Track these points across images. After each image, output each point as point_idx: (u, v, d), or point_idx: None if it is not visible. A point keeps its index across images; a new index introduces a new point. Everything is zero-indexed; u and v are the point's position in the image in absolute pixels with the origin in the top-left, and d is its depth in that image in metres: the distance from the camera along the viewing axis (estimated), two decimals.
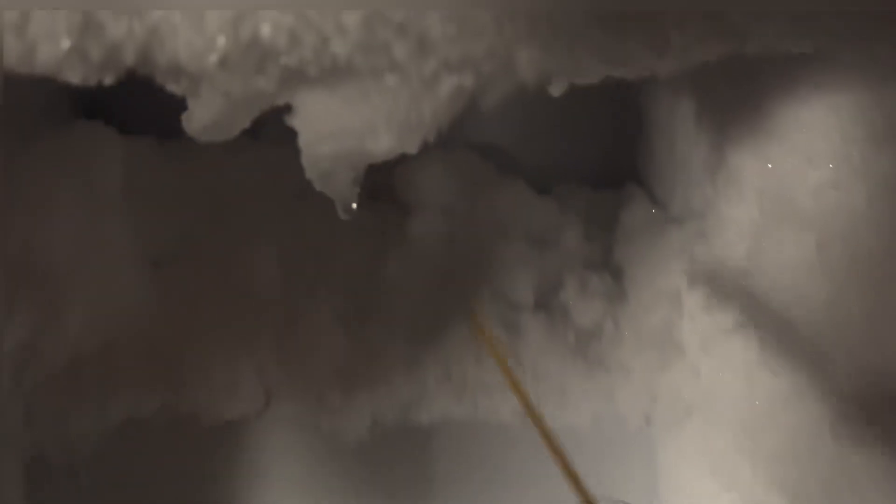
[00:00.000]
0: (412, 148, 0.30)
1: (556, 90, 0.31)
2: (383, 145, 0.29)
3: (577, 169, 0.71)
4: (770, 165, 0.47)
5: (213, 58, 0.25)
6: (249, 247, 0.59)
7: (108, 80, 0.27)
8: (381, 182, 0.68)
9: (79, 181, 0.51)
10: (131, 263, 0.56)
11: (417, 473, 0.58)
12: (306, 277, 0.60)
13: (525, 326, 0.58)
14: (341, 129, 0.29)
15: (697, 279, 0.53)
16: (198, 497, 0.56)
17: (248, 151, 0.66)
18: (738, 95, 0.51)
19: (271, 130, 0.66)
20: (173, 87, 0.29)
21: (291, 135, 0.67)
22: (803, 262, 0.45)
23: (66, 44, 0.25)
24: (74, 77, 0.27)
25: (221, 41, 0.25)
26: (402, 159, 0.65)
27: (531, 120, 0.71)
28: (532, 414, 0.47)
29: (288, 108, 0.32)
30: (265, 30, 0.25)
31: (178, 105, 0.62)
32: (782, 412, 0.46)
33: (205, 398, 0.54)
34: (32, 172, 0.48)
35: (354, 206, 0.35)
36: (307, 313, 0.57)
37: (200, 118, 0.29)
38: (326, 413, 0.55)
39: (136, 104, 0.62)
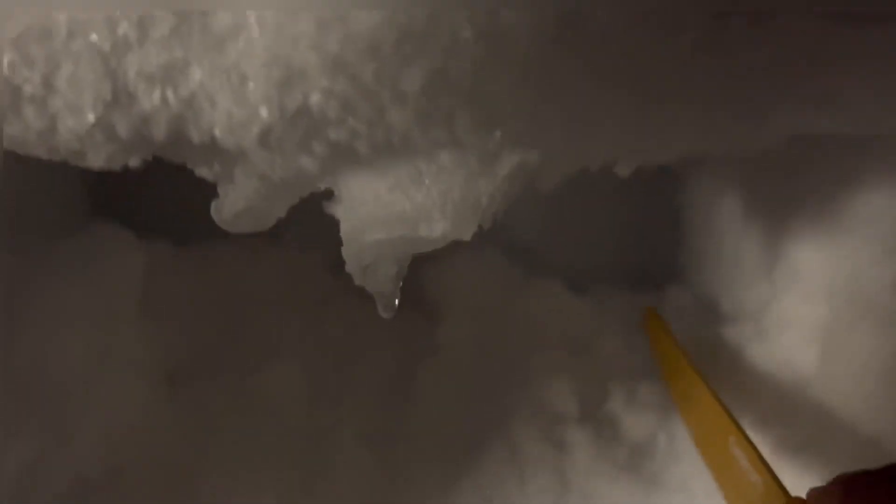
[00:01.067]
0: (467, 234, 0.27)
1: (624, 170, 0.28)
2: (437, 231, 0.26)
3: (613, 270, 0.68)
4: (839, 260, 0.43)
5: (254, 130, 0.22)
6: (271, 361, 0.55)
7: (135, 162, 0.25)
8: (407, 286, 0.65)
9: (95, 288, 0.48)
10: (145, 379, 0.52)
11: None
12: (330, 392, 0.56)
13: (570, 441, 0.53)
14: (391, 215, 0.26)
15: (754, 392, 0.49)
16: None
17: (268, 256, 0.63)
18: (794, 185, 0.48)
19: (292, 234, 0.63)
20: (204, 172, 0.26)
21: (313, 238, 0.65)
22: (883, 367, 0.40)
23: (91, 117, 0.22)
24: (97, 159, 0.24)
25: (264, 112, 0.22)
26: (429, 260, 0.64)
27: (562, 218, 0.69)
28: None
29: (328, 195, 0.29)
30: (315, 98, 0.22)
31: (196, 206, 0.60)
32: None
33: None
34: (44, 278, 0.45)
35: (397, 302, 0.31)
36: (332, 433, 0.52)
37: (233, 205, 0.26)
38: None
39: (151, 204, 0.60)
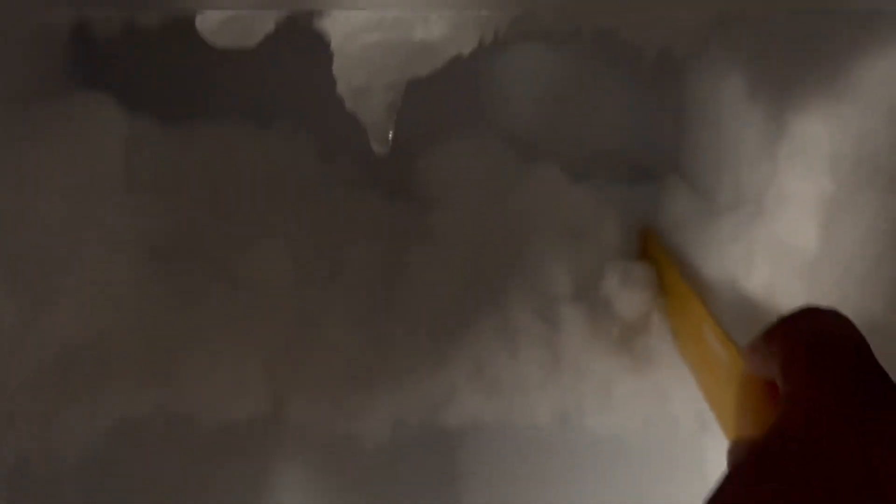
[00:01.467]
0: (467, 45, 0.25)
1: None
2: (435, 33, 0.24)
3: (612, 160, 0.66)
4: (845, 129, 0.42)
5: None
6: (257, 242, 0.54)
7: None
8: (400, 178, 0.63)
9: (77, 156, 0.46)
10: (128, 251, 0.51)
11: (444, 480, 0.52)
12: (319, 275, 0.55)
13: (563, 319, 0.52)
14: (385, 18, 0.24)
15: (757, 264, 0.48)
16: None
17: (256, 140, 0.61)
18: (799, 60, 0.46)
19: (283, 120, 0.62)
20: None
21: (303, 125, 0.63)
22: (889, 228, 0.40)
23: None
24: None
25: None
26: (426, 147, 0.62)
27: (562, 107, 0.67)
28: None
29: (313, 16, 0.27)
30: None
31: (183, 83, 0.58)
32: None
33: (207, 399, 0.48)
34: (25, 142, 0.43)
35: (391, 135, 0.30)
36: (321, 311, 0.52)
37: (220, 13, 0.24)
38: (343, 416, 0.49)
39: (137, 79, 0.58)
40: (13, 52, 0.48)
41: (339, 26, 0.25)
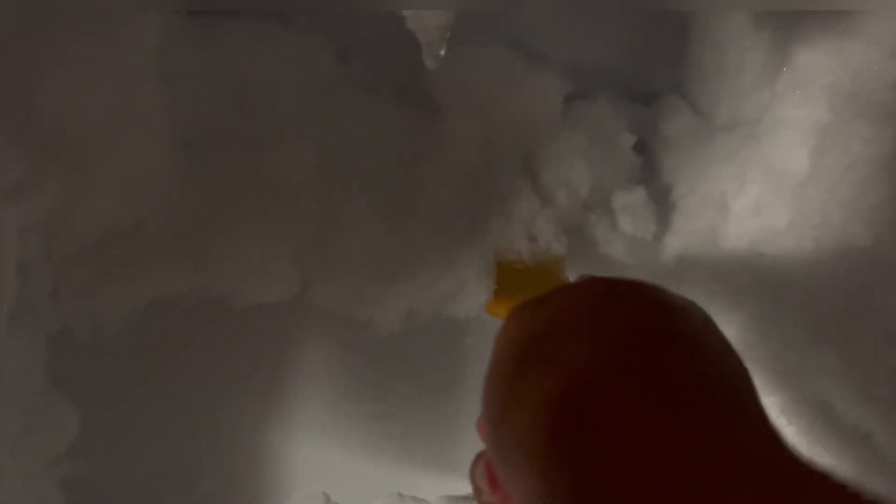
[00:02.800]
0: None
1: None
2: None
3: (614, 77, 0.69)
4: (844, 62, 0.45)
5: None
6: (280, 138, 0.57)
7: None
8: (412, 81, 0.66)
9: (115, 48, 0.48)
10: (163, 140, 0.54)
11: (448, 367, 0.57)
12: (339, 171, 0.58)
13: (571, 229, 0.57)
14: None
15: (747, 182, 0.52)
16: (221, 382, 0.55)
17: (276, 39, 0.63)
18: None
19: (303, 18, 0.63)
20: None
21: (322, 24, 0.65)
22: (878, 159, 0.44)
23: None
24: None
25: None
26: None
27: (568, 21, 0.69)
28: None
29: None
30: None
31: None
32: None
33: (237, 280, 0.52)
34: (65, 33, 0.45)
35: (443, 53, 0.33)
36: (344, 204, 0.55)
37: None
38: (363, 303, 0.54)
39: None
40: None
41: None
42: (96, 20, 0.49)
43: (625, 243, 0.56)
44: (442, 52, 0.32)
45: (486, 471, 0.32)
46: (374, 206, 0.56)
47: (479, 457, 0.34)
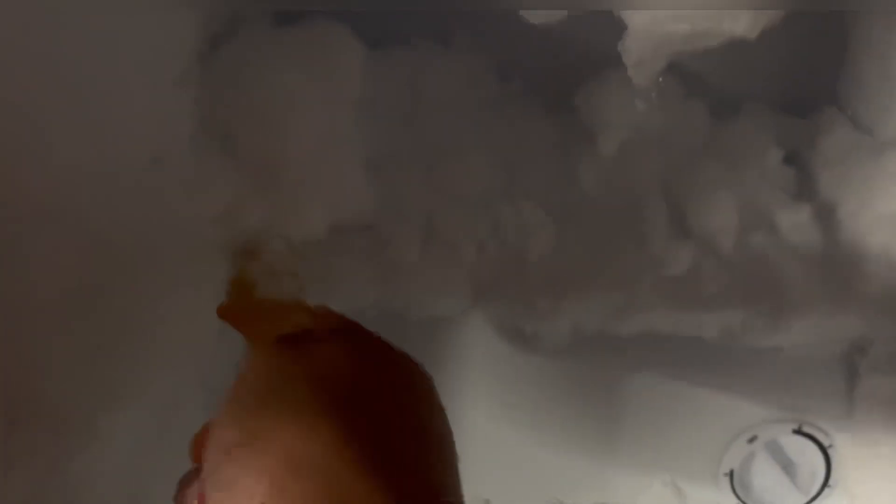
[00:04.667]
0: (753, 34, 0.30)
1: None
2: (740, 28, 0.29)
3: (768, 90, 0.69)
4: None
5: None
6: (453, 152, 0.60)
7: None
8: (562, 99, 0.67)
9: (325, 81, 0.51)
10: (360, 164, 0.57)
11: (609, 382, 0.59)
12: (507, 186, 0.60)
13: (727, 251, 0.57)
14: (699, 12, 0.29)
15: None
16: None
17: (441, 60, 0.66)
18: None
19: (464, 40, 0.66)
20: None
21: (483, 45, 0.67)
22: None
23: None
24: None
25: None
26: (583, 78, 0.66)
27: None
28: None
29: None
30: None
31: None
32: None
33: (416, 293, 0.56)
34: (279, 62, 0.49)
35: (654, 95, 0.35)
36: (513, 218, 0.58)
37: None
38: (532, 317, 0.56)
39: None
40: None
41: (646, 11, 0.30)
42: (308, 50, 0.53)
43: (795, 260, 0.56)
44: (654, 95, 0.34)
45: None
46: (539, 219, 0.58)
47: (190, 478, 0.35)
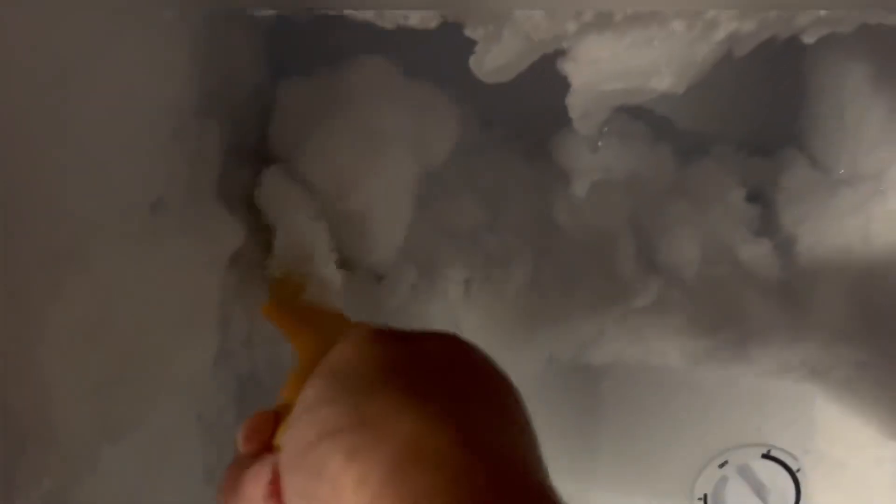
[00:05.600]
0: (681, 89, 0.34)
1: (810, 39, 0.34)
2: (665, 84, 0.33)
3: (732, 132, 0.73)
4: None
5: None
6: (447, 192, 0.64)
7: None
8: (537, 145, 0.72)
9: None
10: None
11: (585, 410, 0.62)
12: (490, 222, 0.64)
13: (692, 283, 0.61)
14: (627, 71, 0.33)
15: (874, 238, 0.56)
16: None
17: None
18: None
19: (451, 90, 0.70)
20: (477, 32, 0.33)
21: (466, 95, 0.71)
22: None
23: None
24: None
25: None
26: (557, 126, 0.70)
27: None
28: None
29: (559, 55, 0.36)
30: None
31: None
32: None
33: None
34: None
35: (600, 144, 0.39)
36: (495, 252, 0.61)
37: (495, 60, 0.34)
38: (508, 348, 0.60)
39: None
40: None
41: (583, 72, 0.34)
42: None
43: (756, 291, 0.59)
44: (600, 144, 0.38)
45: (270, 486, 0.30)
46: (517, 252, 0.62)
47: (257, 464, 0.32)
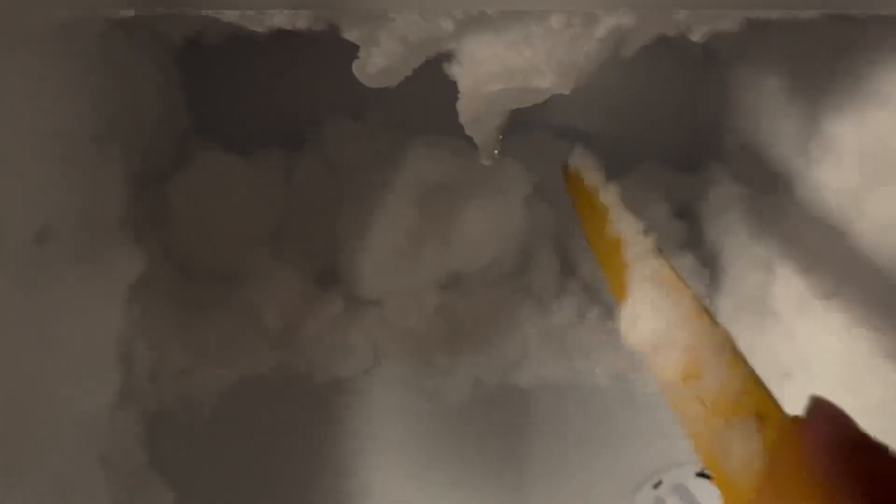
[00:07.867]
0: (567, 89, 0.33)
1: (696, 36, 0.33)
2: (546, 83, 0.31)
3: (659, 149, 0.73)
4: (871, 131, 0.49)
5: None
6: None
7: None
8: None
9: None
10: None
11: (515, 434, 0.60)
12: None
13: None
14: (507, 70, 0.32)
15: (792, 245, 0.55)
16: (306, 454, 0.59)
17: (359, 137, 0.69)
18: (836, 65, 0.53)
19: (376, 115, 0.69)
20: (353, 35, 0.32)
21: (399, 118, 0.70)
22: None
23: None
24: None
25: None
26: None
27: (610, 100, 0.74)
28: None
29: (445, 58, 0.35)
30: None
31: None
32: (885, 366, 0.48)
33: (319, 358, 0.57)
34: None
35: (497, 152, 0.37)
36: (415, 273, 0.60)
37: (376, 65, 0.32)
38: (432, 374, 0.58)
39: None
40: None
41: (468, 74, 0.33)
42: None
43: None
44: (496, 152, 0.37)
45: None
46: (444, 274, 0.60)
47: None
